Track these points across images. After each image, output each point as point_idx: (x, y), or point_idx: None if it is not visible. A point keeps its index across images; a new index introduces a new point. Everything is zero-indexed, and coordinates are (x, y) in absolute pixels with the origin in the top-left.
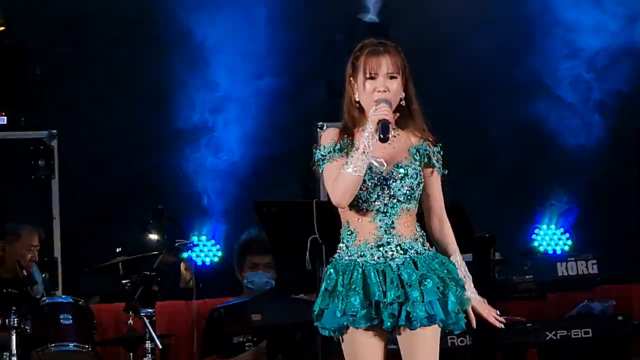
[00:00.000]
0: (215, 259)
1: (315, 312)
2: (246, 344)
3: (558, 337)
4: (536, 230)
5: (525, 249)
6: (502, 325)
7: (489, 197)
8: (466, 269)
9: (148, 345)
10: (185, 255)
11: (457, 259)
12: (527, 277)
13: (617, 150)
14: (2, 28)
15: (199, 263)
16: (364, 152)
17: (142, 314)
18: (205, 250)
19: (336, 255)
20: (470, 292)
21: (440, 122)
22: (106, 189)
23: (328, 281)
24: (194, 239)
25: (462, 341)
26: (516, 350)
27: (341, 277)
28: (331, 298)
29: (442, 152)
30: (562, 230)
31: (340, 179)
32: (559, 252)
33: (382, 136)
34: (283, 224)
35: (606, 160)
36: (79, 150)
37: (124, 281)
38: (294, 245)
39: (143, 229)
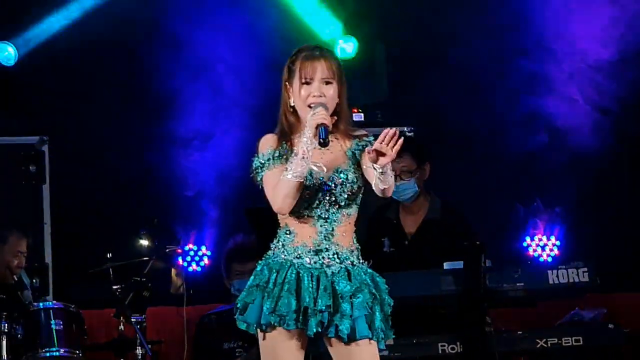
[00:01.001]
0: (206, 266)
1: (239, 306)
2: (236, 350)
3: (549, 345)
4: (527, 238)
5: (515, 257)
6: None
7: (479, 205)
8: None
9: (138, 351)
10: (176, 261)
11: None
12: (517, 284)
13: (609, 158)
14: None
15: (190, 269)
16: (303, 157)
17: (132, 320)
18: (196, 256)
19: (270, 253)
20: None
21: (434, 128)
22: (97, 195)
23: (260, 277)
24: (185, 245)
25: (452, 348)
26: (507, 358)
27: (275, 274)
28: (260, 294)
29: (373, 140)
30: (553, 238)
31: (280, 185)
32: (550, 260)
33: (322, 140)
34: (274, 231)
35: (598, 168)
36: (69, 155)
37: (114, 287)
38: None
39: (134, 234)
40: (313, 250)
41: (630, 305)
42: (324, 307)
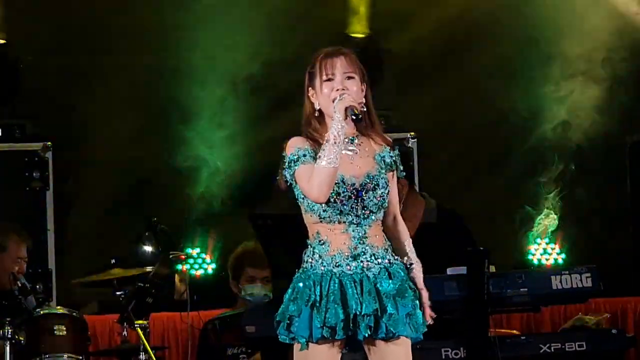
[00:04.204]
0: (210, 271)
1: (278, 319)
2: (240, 356)
3: (552, 350)
4: (530, 243)
5: (519, 262)
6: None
7: (482, 209)
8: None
9: (142, 356)
10: (179, 266)
11: (409, 244)
12: (521, 290)
13: (611, 163)
14: (2, 41)
15: (193, 275)
16: (335, 142)
17: (136, 326)
18: (199, 262)
19: (307, 265)
20: (418, 278)
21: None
22: (100, 201)
23: (302, 290)
24: (188, 250)
25: (456, 354)
26: None
27: (318, 287)
28: (307, 308)
29: (399, 155)
30: (556, 243)
31: (315, 174)
32: (553, 265)
33: (354, 117)
34: (278, 237)
35: (600, 173)
36: (73, 162)
37: (118, 293)
38: (289, 258)
39: (137, 240)
40: (351, 257)
41: (633, 311)
42: (371, 311)
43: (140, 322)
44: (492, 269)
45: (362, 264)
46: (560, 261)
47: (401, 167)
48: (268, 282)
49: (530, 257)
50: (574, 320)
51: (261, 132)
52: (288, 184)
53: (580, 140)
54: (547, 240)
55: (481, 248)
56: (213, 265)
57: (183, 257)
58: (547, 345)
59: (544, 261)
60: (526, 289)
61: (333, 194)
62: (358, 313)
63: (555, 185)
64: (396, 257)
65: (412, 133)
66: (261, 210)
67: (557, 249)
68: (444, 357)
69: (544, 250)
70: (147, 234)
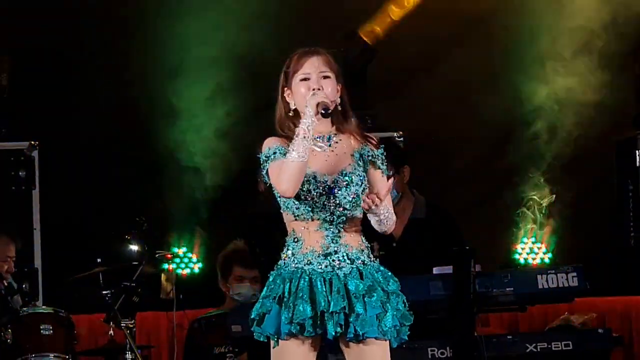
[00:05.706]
0: (196, 270)
1: (253, 317)
2: (227, 355)
3: (538, 350)
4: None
5: (505, 261)
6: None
7: (468, 209)
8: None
9: (128, 356)
10: (165, 266)
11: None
12: (507, 289)
13: (597, 163)
14: None
15: (180, 274)
16: (304, 137)
17: (122, 325)
18: (185, 261)
19: (281, 262)
20: None
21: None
22: (87, 200)
23: (274, 287)
24: (175, 250)
25: (442, 353)
26: None
27: (288, 284)
28: (276, 305)
29: (384, 154)
30: (542, 242)
31: (283, 167)
32: (539, 264)
33: (323, 112)
34: (265, 236)
35: (586, 172)
36: (59, 161)
37: (104, 292)
38: (275, 258)
39: (124, 239)
40: (322, 255)
41: (619, 310)
42: (338, 309)
43: (126, 321)
44: (478, 268)
45: (333, 263)
46: (546, 260)
47: (384, 167)
48: (257, 281)
49: (516, 256)
50: (560, 319)
51: (250, 130)
52: (267, 184)
53: (567, 139)
54: (533, 239)
55: (467, 247)
56: (199, 265)
57: (169, 256)
58: (534, 344)
59: (530, 260)
60: (512, 289)
61: (304, 191)
62: (325, 310)
63: (542, 184)
64: (371, 259)
65: (398, 132)
66: (250, 209)
67: (544, 248)
68: (430, 356)
69: (530, 250)
70: (133, 232)
